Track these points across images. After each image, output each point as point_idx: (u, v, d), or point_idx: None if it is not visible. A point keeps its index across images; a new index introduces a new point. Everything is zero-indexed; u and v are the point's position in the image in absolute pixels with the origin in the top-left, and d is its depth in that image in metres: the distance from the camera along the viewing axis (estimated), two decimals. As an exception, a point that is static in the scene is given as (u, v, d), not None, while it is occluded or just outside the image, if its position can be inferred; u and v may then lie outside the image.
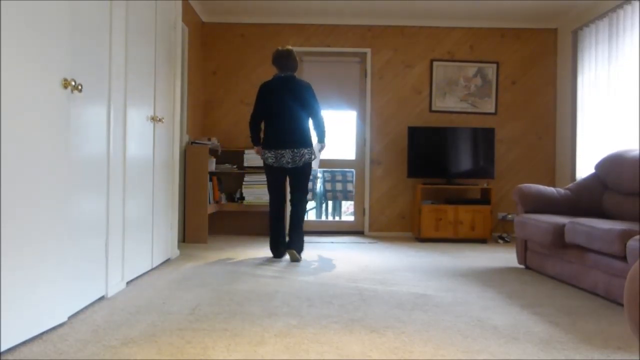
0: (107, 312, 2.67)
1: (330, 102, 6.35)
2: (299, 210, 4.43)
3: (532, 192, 4.18)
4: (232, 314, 2.67)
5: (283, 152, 4.27)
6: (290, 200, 4.47)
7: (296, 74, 4.49)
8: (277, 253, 4.43)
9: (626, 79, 4.93)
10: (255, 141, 4.46)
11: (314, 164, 4.59)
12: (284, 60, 4.39)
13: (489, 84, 6.34)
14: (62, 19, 2.34)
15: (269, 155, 4.31)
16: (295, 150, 4.27)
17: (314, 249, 5.05)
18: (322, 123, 4.42)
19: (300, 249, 4.38)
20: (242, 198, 5.97)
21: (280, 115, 4.29)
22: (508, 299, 3.12)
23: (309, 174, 4.44)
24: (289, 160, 4.28)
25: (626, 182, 3.80)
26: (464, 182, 6.17)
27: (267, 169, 4.41)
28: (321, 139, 4.52)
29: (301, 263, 4.28)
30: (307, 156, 4.32)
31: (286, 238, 4.49)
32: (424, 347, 2.20)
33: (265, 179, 4.50)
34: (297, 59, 4.47)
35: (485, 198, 5.92)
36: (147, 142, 3.62)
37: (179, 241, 5.18)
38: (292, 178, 4.41)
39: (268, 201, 4.79)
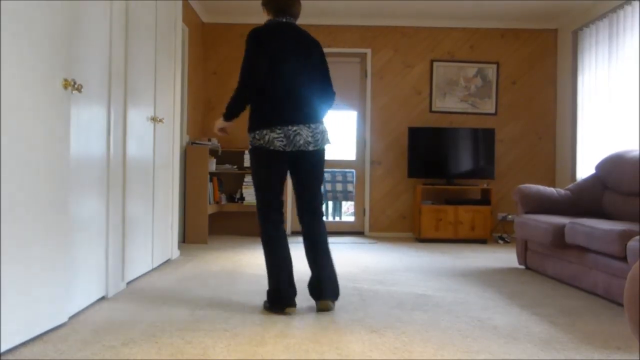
0: (108, 312, 2.67)
1: (331, 102, 6.35)
2: (323, 225, 2.91)
3: (532, 192, 4.18)
4: (232, 314, 2.67)
5: (297, 128, 2.77)
6: (307, 210, 2.90)
7: None
8: (288, 302, 2.74)
9: (626, 79, 4.93)
10: (231, 115, 2.90)
11: None
12: None
13: (489, 84, 6.34)
14: (62, 19, 2.34)
15: (276, 136, 2.74)
16: (313, 125, 2.82)
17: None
18: (333, 99, 3.04)
19: (337, 293, 2.86)
20: (242, 198, 5.97)
21: (292, 76, 2.82)
22: (508, 299, 3.12)
23: (324, 164, 2.98)
24: (309, 139, 2.79)
25: (626, 182, 3.80)
26: (464, 183, 6.17)
27: (267, 159, 2.80)
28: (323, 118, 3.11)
29: (301, 264, 4.26)
30: (326, 135, 2.90)
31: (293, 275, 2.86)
32: (424, 347, 2.20)
33: (258, 178, 2.86)
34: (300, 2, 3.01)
35: (485, 198, 5.92)
36: (147, 142, 3.62)
37: (179, 242, 5.18)
38: (304, 171, 2.87)
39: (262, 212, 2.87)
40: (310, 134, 2.80)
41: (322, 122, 2.89)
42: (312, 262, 2.85)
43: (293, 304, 2.74)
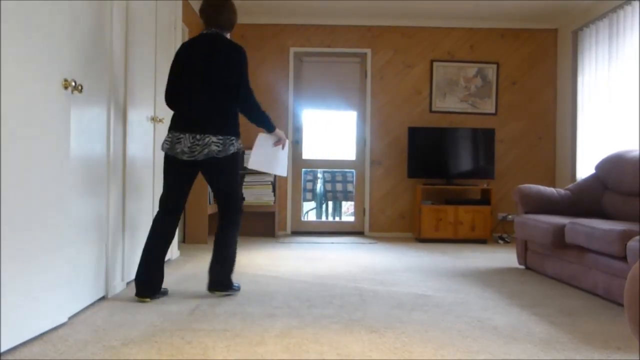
0: (107, 312, 2.67)
1: (330, 102, 6.35)
2: (225, 231, 3.08)
3: (532, 192, 4.18)
4: (232, 314, 2.67)
5: (182, 137, 2.93)
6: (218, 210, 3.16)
7: (230, 36, 3.18)
8: (146, 289, 2.93)
9: (626, 79, 4.93)
10: None
11: (260, 164, 3.30)
12: (211, 9, 3.04)
13: (489, 85, 6.34)
14: (62, 19, 2.34)
15: (166, 139, 2.99)
16: (198, 136, 2.91)
17: (314, 250, 5.05)
18: (254, 105, 3.08)
19: (226, 286, 3.07)
20: (242, 198, 5.96)
21: (191, 86, 2.98)
22: (508, 299, 3.12)
23: (232, 175, 3.06)
24: (185, 149, 2.92)
25: (626, 182, 3.80)
26: (464, 183, 6.17)
27: (164, 160, 3.05)
28: (266, 127, 3.18)
29: (301, 264, 4.27)
30: (214, 147, 2.92)
31: (163, 265, 3.02)
32: (424, 348, 2.20)
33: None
34: (234, 12, 3.11)
35: (485, 198, 5.91)
36: (147, 142, 3.62)
37: (178, 242, 5.18)
38: (207, 178, 3.08)
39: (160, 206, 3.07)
40: (189, 144, 2.92)
41: (215, 134, 2.93)
42: (212, 256, 3.08)
43: (145, 294, 2.93)
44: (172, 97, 3.05)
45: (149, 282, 2.93)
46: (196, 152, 2.92)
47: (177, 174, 3.02)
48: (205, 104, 2.96)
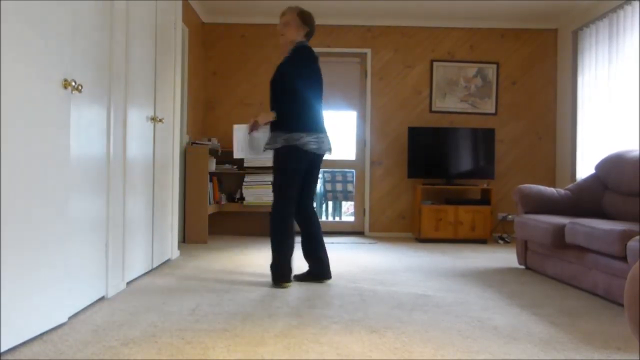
0: (107, 312, 2.67)
1: (330, 102, 6.35)
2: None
3: (532, 192, 4.18)
4: (232, 314, 2.67)
5: (322, 136, 3.47)
6: (309, 206, 3.59)
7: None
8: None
9: (626, 79, 4.93)
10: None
11: (243, 152, 3.62)
12: (314, 25, 3.61)
13: (489, 85, 6.34)
14: (62, 19, 2.34)
15: (311, 139, 3.39)
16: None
17: (314, 249, 5.05)
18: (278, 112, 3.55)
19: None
20: (242, 198, 5.97)
21: (318, 92, 3.55)
22: (508, 299, 3.12)
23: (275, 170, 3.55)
24: (328, 146, 3.53)
25: (626, 182, 3.80)
26: (464, 183, 6.17)
27: (300, 158, 3.40)
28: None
29: (300, 264, 4.27)
30: (269, 140, 3.53)
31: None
32: (424, 348, 2.20)
33: (287, 174, 3.42)
34: None
35: (485, 198, 5.92)
36: (147, 142, 3.62)
37: (179, 241, 5.18)
38: (316, 172, 3.58)
39: (280, 203, 3.46)
40: (328, 141, 3.56)
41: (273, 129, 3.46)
42: (320, 244, 3.55)
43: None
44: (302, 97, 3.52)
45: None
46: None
47: (306, 168, 3.50)
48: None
